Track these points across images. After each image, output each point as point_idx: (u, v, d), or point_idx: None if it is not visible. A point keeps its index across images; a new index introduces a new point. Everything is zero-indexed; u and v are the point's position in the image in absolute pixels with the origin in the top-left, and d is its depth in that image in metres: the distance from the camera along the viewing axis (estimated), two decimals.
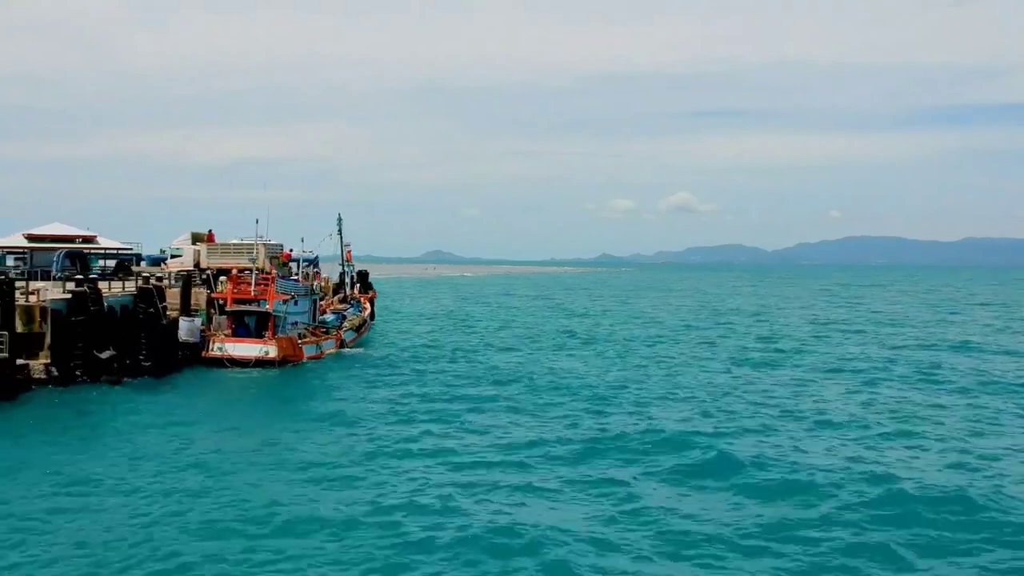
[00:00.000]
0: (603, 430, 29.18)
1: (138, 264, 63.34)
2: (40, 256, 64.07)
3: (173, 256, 54.12)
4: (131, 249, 66.63)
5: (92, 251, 66.15)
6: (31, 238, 63.71)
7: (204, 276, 47.58)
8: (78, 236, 65.88)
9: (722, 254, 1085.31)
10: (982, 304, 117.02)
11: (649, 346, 57.80)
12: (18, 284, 38.80)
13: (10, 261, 66.03)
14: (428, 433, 28.47)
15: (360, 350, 51.81)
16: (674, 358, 50.86)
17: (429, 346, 55.35)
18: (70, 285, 37.77)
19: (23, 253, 64.90)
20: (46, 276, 47.39)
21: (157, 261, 69.48)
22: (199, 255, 50.68)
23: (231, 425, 29.94)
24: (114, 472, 22.70)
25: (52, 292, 38.11)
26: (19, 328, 34.17)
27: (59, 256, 50.81)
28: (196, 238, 53.21)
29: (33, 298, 35.37)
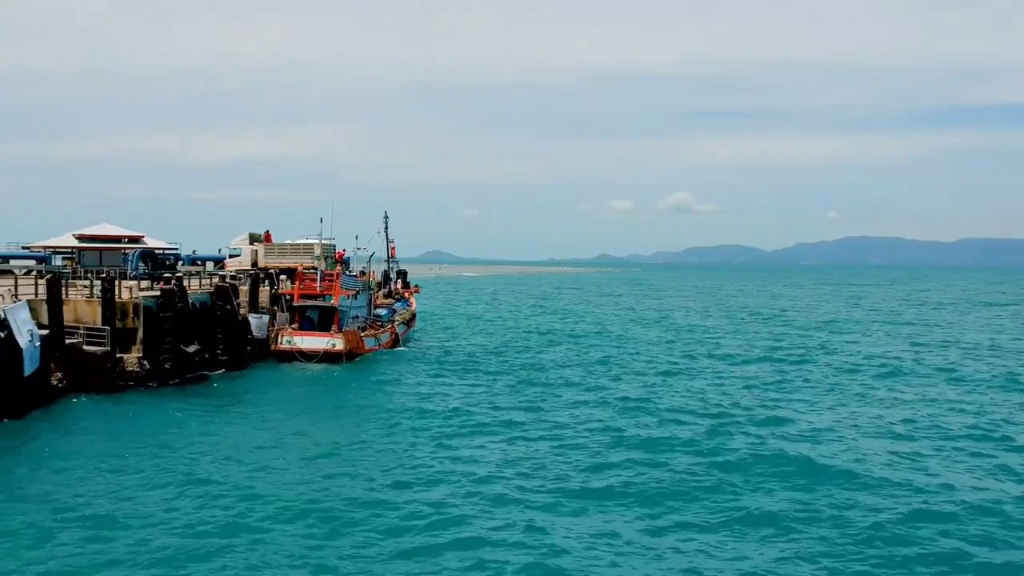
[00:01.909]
0: (656, 426, 30.04)
1: (176, 264, 65.15)
2: (88, 256, 65.97)
3: (231, 256, 55.95)
4: (176, 249, 68.48)
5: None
6: (81, 238, 65.47)
7: (267, 274, 49.38)
8: (125, 236, 67.68)
9: (721, 254, 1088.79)
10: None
11: (679, 344, 59.72)
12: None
13: (57, 261, 67.83)
14: (508, 427, 29.79)
15: (414, 344, 53.63)
16: (708, 355, 52.79)
17: (474, 343, 57.15)
18: (144, 283, 39.66)
19: (71, 253, 66.70)
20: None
21: (194, 261, 71.41)
22: (257, 255, 52.53)
23: (314, 416, 31.56)
24: (226, 459, 24.43)
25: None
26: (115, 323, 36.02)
27: (134, 256, 52.62)
28: (253, 239, 55.06)
29: (126, 295, 37.12)
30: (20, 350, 29.29)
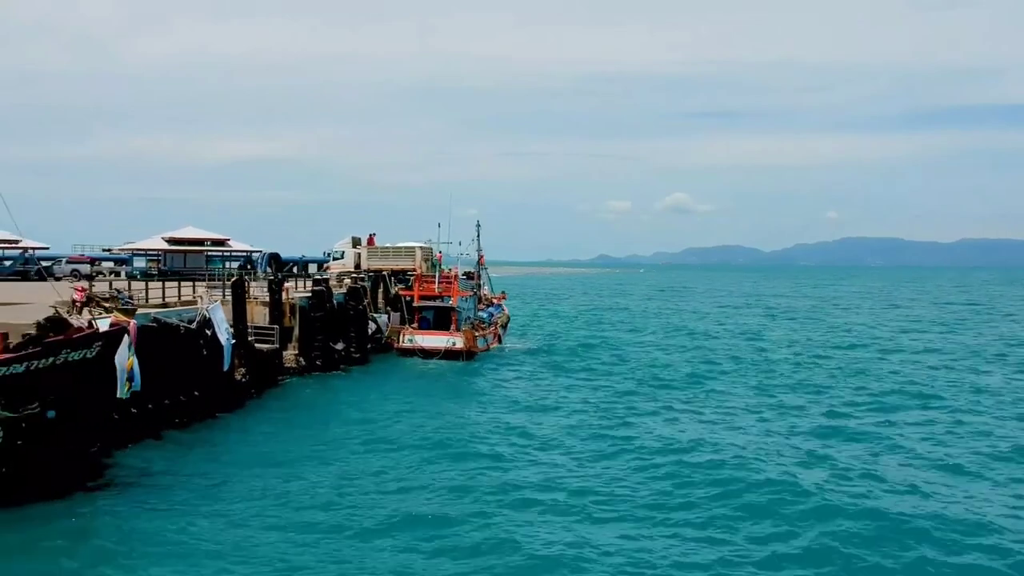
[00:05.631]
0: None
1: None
2: (173, 258, 68.34)
3: (334, 259, 58.27)
4: (261, 252, 70.79)
5: (223, 253, 70.47)
6: (170, 241, 67.85)
7: (381, 277, 51.77)
8: (208, 239, 70.11)
9: (720, 255, 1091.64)
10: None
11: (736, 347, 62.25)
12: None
13: (139, 263, 70.19)
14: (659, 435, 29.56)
15: (512, 345, 55.89)
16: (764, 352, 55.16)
17: (565, 342, 59.37)
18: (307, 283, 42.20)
19: (157, 255, 69.04)
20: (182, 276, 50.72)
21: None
22: (359, 257, 54.95)
23: (444, 407, 34.02)
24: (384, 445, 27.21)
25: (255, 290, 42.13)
26: None
27: (263, 258, 55.16)
28: (356, 242, 57.35)
29: (284, 295, 39.58)
30: (222, 347, 31.75)
